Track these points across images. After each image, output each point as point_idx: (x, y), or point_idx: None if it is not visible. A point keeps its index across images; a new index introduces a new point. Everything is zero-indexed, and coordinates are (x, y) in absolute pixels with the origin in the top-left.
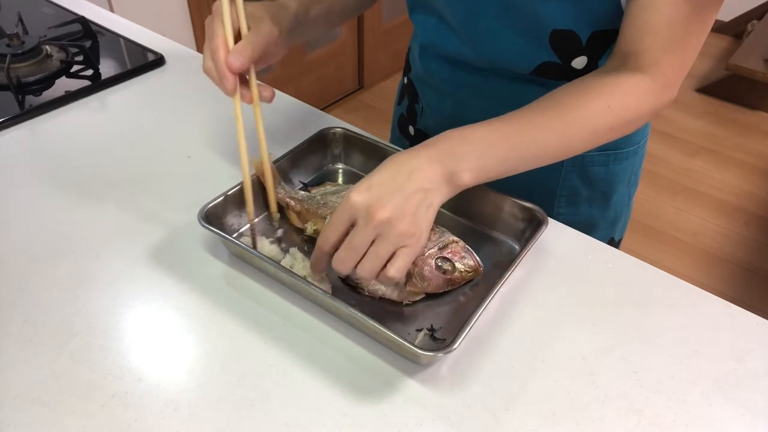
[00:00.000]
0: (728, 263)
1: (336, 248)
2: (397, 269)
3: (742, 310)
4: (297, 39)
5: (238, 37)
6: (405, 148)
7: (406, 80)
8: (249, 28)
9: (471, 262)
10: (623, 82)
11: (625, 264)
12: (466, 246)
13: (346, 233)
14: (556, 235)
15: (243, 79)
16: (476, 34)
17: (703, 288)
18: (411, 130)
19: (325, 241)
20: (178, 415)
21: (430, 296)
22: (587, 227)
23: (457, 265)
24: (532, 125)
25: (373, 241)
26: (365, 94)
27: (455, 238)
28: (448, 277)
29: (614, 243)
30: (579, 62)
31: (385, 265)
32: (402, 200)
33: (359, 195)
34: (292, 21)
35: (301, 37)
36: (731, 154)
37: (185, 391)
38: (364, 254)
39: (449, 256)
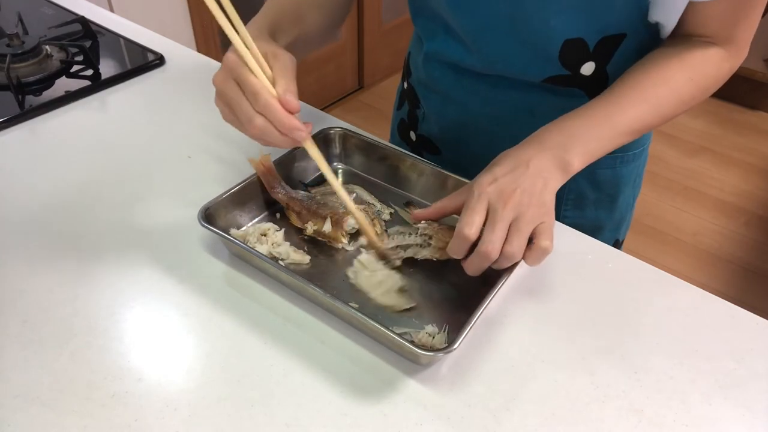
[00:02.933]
0: (728, 263)
1: (477, 236)
2: (550, 240)
3: (742, 310)
4: None
5: None
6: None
7: (405, 85)
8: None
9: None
10: (699, 55)
11: (625, 264)
12: None
13: (483, 222)
14: (556, 235)
15: None
16: (483, 47)
17: (703, 288)
18: (412, 135)
19: (469, 227)
20: (178, 415)
21: (433, 287)
22: (593, 229)
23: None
24: (626, 104)
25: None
26: (365, 94)
27: None
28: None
29: (618, 244)
30: (587, 69)
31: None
32: (527, 185)
33: (490, 185)
34: (287, 46)
35: None
36: (731, 154)
37: (185, 391)
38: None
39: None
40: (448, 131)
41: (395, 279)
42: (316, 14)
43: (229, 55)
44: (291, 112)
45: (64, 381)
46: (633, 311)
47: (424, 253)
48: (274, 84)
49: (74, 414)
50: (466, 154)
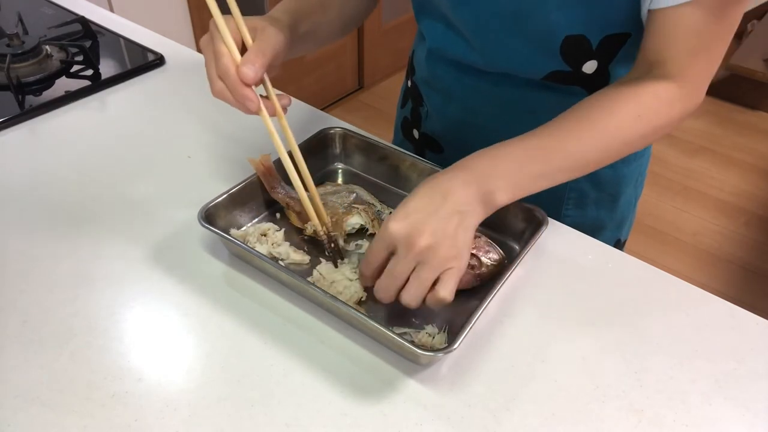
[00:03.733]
0: (728, 263)
1: (377, 276)
2: (448, 290)
3: (742, 310)
4: (289, 54)
5: (243, 52)
6: (409, 150)
7: (409, 83)
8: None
9: (496, 256)
10: (651, 90)
11: (625, 264)
12: (488, 240)
13: (386, 261)
14: (556, 235)
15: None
16: (485, 43)
17: (703, 288)
18: (416, 133)
19: (366, 268)
20: (178, 415)
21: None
22: (595, 229)
23: (483, 259)
24: (565, 138)
25: (413, 268)
26: (365, 94)
27: (476, 233)
28: (477, 272)
29: (620, 244)
30: (589, 67)
31: (431, 289)
32: (440, 225)
33: (397, 223)
34: (288, 32)
35: (291, 54)
36: (731, 154)
37: (185, 391)
38: (407, 281)
39: (474, 251)
40: (451, 129)
41: (354, 289)
42: (340, 4)
43: (212, 21)
44: (245, 82)
45: (64, 381)
46: (633, 311)
47: None
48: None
49: (74, 414)
50: (469, 152)
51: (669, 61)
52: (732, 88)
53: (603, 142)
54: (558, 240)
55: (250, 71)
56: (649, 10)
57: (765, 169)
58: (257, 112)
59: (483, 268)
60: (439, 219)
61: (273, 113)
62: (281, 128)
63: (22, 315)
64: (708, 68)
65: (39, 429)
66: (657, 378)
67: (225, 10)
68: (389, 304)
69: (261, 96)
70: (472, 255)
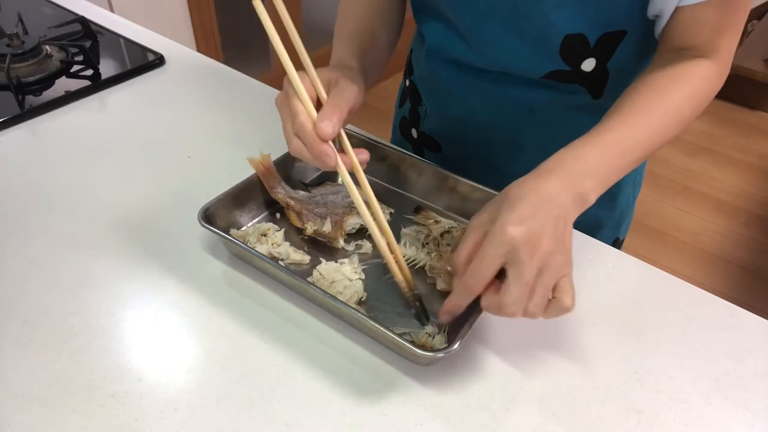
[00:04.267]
0: (728, 263)
1: (485, 288)
2: (570, 298)
3: (742, 310)
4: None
5: (318, 107)
6: (407, 150)
7: (407, 83)
8: (327, 95)
9: None
10: (695, 70)
11: (625, 264)
12: None
13: (497, 271)
14: None
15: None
16: (484, 42)
17: (703, 288)
18: (414, 133)
19: (478, 281)
20: (178, 415)
21: (433, 287)
22: (593, 227)
23: None
24: (633, 129)
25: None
26: (367, 94)
27: None
28: None
29: (619, 243)
30: (587, 65)
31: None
32: (552, 228)
33: (516, 227)
34: (362, 77)
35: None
36: (731, 154)
37: (185, 391)
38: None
39: None
40: (450, 128)
41: (355, 289)
42: (386, 32)
43: (286, 78)
44: (322, 139)
45: (64, 381)
46: (633, 311)
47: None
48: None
49: (74, 414)
50: (468, 151)
51: (699, 46)
52: (732, 88)
53: (664, 125)
54: None
55: (328, 128)
56: (677, 7)
57: (765, 169)
58: (335, 168)
59: None
60: (551, 224)
61: (349, 168)
62: (359, 182)
63: (22, 315)
64: (734, 42)
65: (39, 429)
66: (657, 378)
67: (298, 65)
68: (389, 307)
69: (339, 151)
70: None
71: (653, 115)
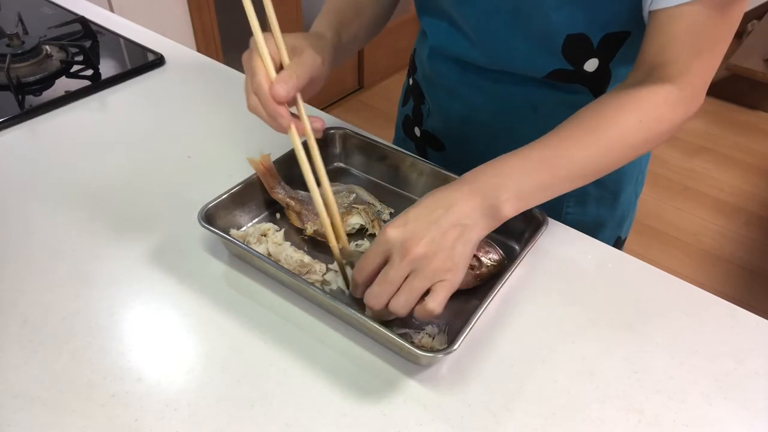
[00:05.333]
0: (728, 263)
1: (370, 281)
2: (437, 303)
3: (742, 310)
4: (335, 64)
5: (279, 70)
6: (409, 149)
7: (411, 81)
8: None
9: (496, 256)
10: (652, 95)
11: (625, 264)
12: (488, 240)
13: (380, 267)
14: (556, 235)
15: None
16: (487, 41)
17: (703, 288)
18: (417, 131)
19: (359, 274)
20: (178, 415)
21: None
22: (595, 227)
23: (483, 260)
24: (569, 148)
25: (407, 277)
26: (365, 94)
27: None
28: (476, 272)
29: (621, 242)
30: (590, 65)
31: (421, 299)
32: (438, 235)
33: (395, 230)
34: (331, 50)
35: (338, 62)
36: (731, 154)
37: (185, 391)
38: (398, 289)
39: (474, 252)
40: (453, 127)
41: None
42: (373, 7)
43: (252, 38)
44: (276, 100)
45: (64, 381)
46: (633, 311)
47: None
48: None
49: (74, 414)
50: (470, 150)
51: (670, 63)
52: (732, 88)
53: (606, 150)
54: (558, 240)
55: (282, 90)
56: (650, 11)
57: (765, 169)
58: (286, 130)
59: (483, 269)
60: (438, 229)
61: (301, 134)
62: (310, 148)
63: (22, 315)
64: (709, 69)
65: (39, 429)
66: (657, 378)
67: (265, 27)
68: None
69: (294, 115)
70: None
71: (594, 140)
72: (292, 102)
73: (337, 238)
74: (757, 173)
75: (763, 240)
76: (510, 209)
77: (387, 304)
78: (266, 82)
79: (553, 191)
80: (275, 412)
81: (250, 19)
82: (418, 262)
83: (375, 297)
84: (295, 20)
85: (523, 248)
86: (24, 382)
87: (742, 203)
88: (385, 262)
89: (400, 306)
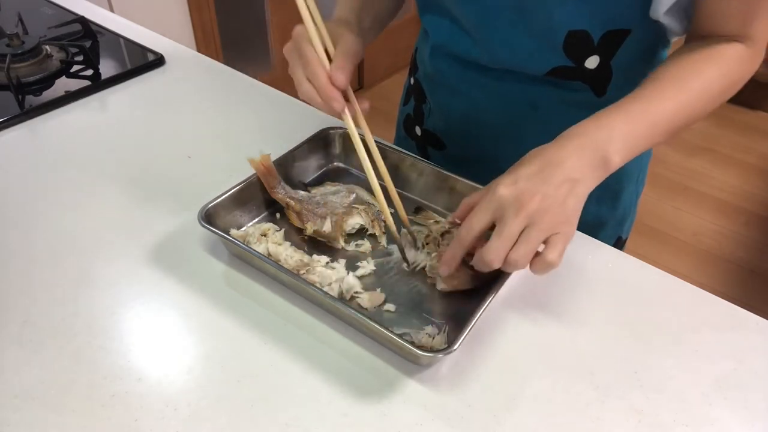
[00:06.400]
0: (728, 263)
1: (475, 240)
2: (556, 254)
3: (742, 310)
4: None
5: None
6: (410, 148)
7: (412, 81)
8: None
9: None
10: (725, 50)
11: (625, 264)
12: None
13: (488, 226)
14: None
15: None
16: (489, 38)
17: (703, 288)
18: (418, 130)
19: (468, 232)
20: (178, 415)
21: (433, 287)
22: (596, 226)
23: None
24: (662, 99)
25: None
26: (365, 94)
27: None
28: (476, 272)
29: (621, 242)
30: (591, 62)
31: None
32: (550, 191)
33: (506, 188)
34: (361, 34)
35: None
36: (731, 154)
37: (185, 391)
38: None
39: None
40: (454, 126)
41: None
42: None
43: (296, 28)
44: (336, 86)
45: (64, 381)
46: (633, 311)
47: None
48: (331, 61)
49: (74, 414)
50: (471, 148)
51: (728, 34)
52: None
53: (693, 101)
54: None
55: (342, 76)
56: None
57: (765, 169)
58: (341, 114)
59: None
60: (549, 185)
61: (353, 115)
62: (362, 128)
63: (22, 315)
64: (766, 26)
65: (39, 429)
66: (657, 378)
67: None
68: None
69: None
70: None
71: (681, 90)
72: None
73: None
74: (757, 173)
75: (763, 240)
76: (618, 159)
77: (505, 259)
78: (321, 69)
79: (652, 141)
80: (275, 412)
81: (301, 10)
82: (533, 216)
83: (494, 251)
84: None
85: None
86: (24, 382)
87: (742, 203)
88: (492, 221)
89: (521, 256)
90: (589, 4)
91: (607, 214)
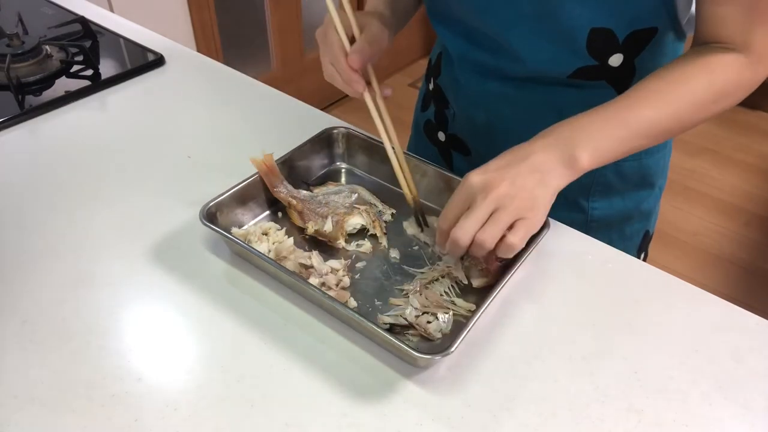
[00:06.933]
0: (728, 263)
1: (451, 228)
2: (518, 237)
3: (742, 310)
4: (390, 44)
5: (352, 43)
6: (430, 155)
7: (431, 86)
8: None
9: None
10: (720, 59)
11: (624, 264)
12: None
13: (463, 213)
14: (556, 235)
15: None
16: (511, 45)
17: (703, 288)
18: (441, 136)
19: (444, 221)
20: (178, 415)
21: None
22: (622, 220)
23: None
24: (641, 106)
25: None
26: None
27: None
28: (503, 259)
29: (649, 236)
30: (615, 60)
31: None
32: (518, 178)
33: (476, 176)
34: (390, 24)
35: (392, 37)
36: (731, 154)
37: (185, 391)
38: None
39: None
40: (478, 133)
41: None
42: None
43: (327, 15)
44: (352, 67)
45: (64, 381)
46: (633, 311)
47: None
48: None
49: (74, 414)
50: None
51: (728, 41)
52: None
53: (678, 110)
54: (558, 240)
55: (357, 58)
56: (699, 3)
57: (765, 169)
58: (361, 94)
59: (498, 262)
60: (517, 173)
61: (374, 98)
62: (381, 110)
63: (22, 315)
64: (766, 33)
65: (39, 429)
66: (657, 378)
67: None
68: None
69: (367, 83)
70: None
71: (664, 97)
72: (365, 68)
73: (409, 190)
74: (757, 173)
75: (763, 240)
76: (587, 160)
77: (472, 241)
78: (342, 53)
79: (627, 146)
80: (275, 412)
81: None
82: (501, 199)
83: (462, 230)
84: (295, 20)
85: (524, 250)
86: (24, 382)
87: (742, 203)
88: (465, 209)
89: (488, 236)
90: (612, 3)
91: (633, 209)
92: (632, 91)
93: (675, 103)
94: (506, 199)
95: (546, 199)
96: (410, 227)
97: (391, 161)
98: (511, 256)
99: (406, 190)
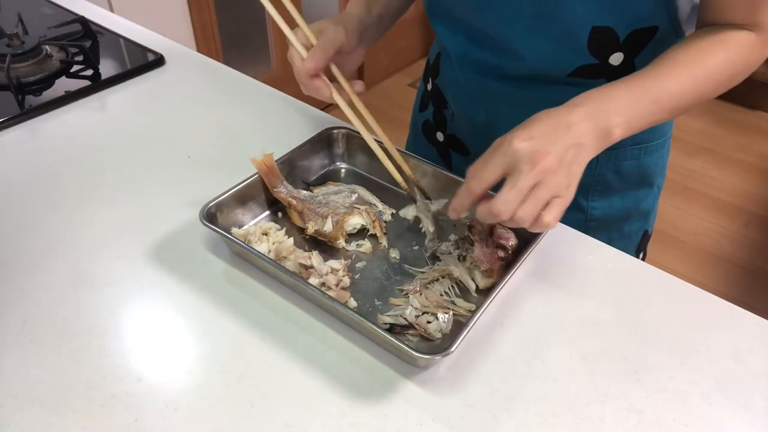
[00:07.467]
0: (728, 263)
1: (485, 191)
2: (553, 216)
3: (742, 310)
4: (370, 39)
5: None
6: (429, 154)
7: (430, 86)
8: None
9: (514, 241)
10: (735, 36)
11: (624, 264)
12: (501, 226)
13: (499, 178)
14: (556, 235)
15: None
16: (511, 44)
17: (703, 288)
18: (440, 136)
19: (478, 182)
20: (178, 415)
21: None
22: (621, 220)
23: (507, 245)
24: (666, 78)
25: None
26: (365, 94)
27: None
28: (505, 256)
29: (647, 236)
30: (616, 59)
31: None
32: (562, 151)
33: (523, 142)
34: (356, 23)
35: (372, 37)
36: (731, 154)
37: (185, 391)
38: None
39: (502, 242)
40: (478, 132)
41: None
42: None
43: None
44: (308, 73)
45: (64, 381)
46: (633, 311)
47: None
48: None
49: (74, 414)
50: None
51: (737, 22)
52: (732, 88)
53: (699, 84)
54: (558, 240)
55: (310, 63)
56: None
57: (765, 169)
58: (330, 99)
59: (509, 252)
60: (561, 146)
61: (347, 98)
62: (357, 108)
63: (22, 315)
64: None
65: (39, 429)
66: (657, 378)
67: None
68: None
69: (335, 85)
70: (501, 246)
71: (686, 71)
72: (325, 71)
73: (400, 173)
74: (757, 173)
75: (763, 240)
76: (620, 132)
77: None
78: (299, 62)
79: (654, 118)
80: (275, 412)
81: (275, 18)
82: (545, 174)
83: (506, 204)
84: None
85: (525, 250)
86: (24, 382)
87: (742, 203)
88: (504, 174)
89: (528, 214)
90: (611, 1)
91: (632, 208)
92: (657, 63)
93: (697, 79)
94: (549, 174)
95: (579, 176)
96: (410, 212)
97: (373, 149)
98: (543, 231)
99: (395, 174)
